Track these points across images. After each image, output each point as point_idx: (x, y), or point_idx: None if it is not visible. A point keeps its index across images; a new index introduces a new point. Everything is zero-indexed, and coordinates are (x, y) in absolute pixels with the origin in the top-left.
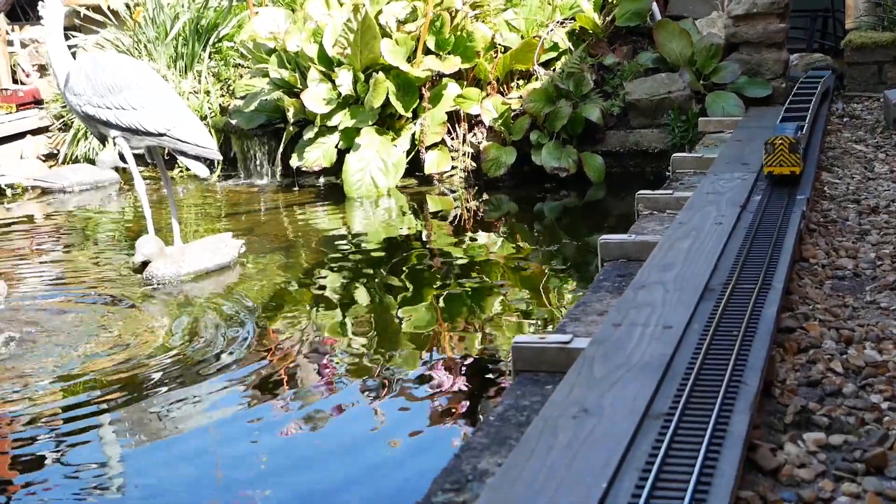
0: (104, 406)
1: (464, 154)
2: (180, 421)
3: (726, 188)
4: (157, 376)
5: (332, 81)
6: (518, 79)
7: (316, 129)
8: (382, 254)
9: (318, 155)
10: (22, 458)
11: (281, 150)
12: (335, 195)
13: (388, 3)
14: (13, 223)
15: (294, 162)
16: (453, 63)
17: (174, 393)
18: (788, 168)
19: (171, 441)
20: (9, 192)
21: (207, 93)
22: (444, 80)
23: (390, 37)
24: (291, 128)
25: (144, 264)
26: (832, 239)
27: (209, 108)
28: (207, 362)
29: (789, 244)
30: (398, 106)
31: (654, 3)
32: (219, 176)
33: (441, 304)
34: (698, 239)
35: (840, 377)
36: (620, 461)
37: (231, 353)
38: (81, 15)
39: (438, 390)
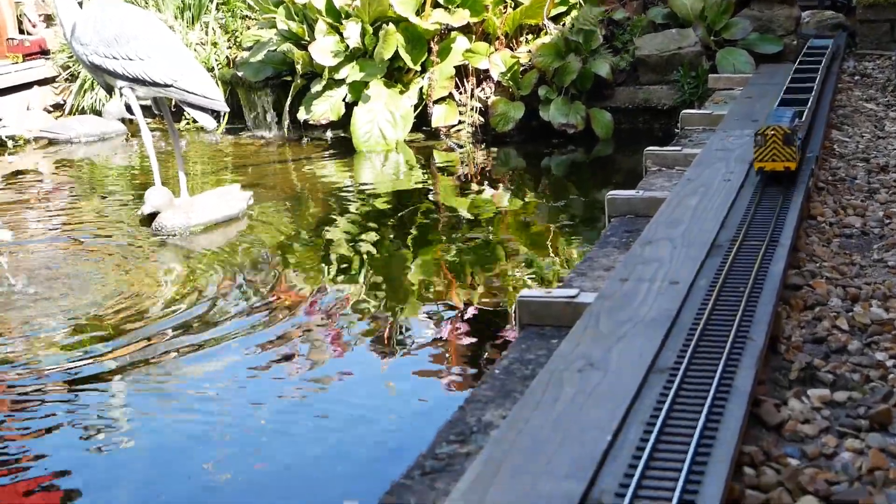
0: (111, 356)
1: (472, 109)
2: (188, 370)
3: (735, 145)
4: (164, 327)
5: (340, 34)
6: (527, 33)
7: (324, 82)
8: (389, 207)
9: (325, 108)
10: (29, 407)
11: (288, 102)
12: (343, 148)
13: None
14: (19, 174)
15: (301, 115)
16: (462, 16)
17: (181, 343)
18: (782, 163)
19: (177, 391)
20: (10, 143)
21: (215, 44)
22: (453, 33)
23: None
24: (299, 80)
25: (153, 215)
26: (840, 197)
27: (216, 59)
28: (215, 313)
29: (797, 202)
30: (407, 59)
31: None
32: (225, 128)
33: (447, 257)
34: (706, 195)
35: (846, 334)
36: (625, 414)
37: (239, 304)
38: None
39: (443, 343)
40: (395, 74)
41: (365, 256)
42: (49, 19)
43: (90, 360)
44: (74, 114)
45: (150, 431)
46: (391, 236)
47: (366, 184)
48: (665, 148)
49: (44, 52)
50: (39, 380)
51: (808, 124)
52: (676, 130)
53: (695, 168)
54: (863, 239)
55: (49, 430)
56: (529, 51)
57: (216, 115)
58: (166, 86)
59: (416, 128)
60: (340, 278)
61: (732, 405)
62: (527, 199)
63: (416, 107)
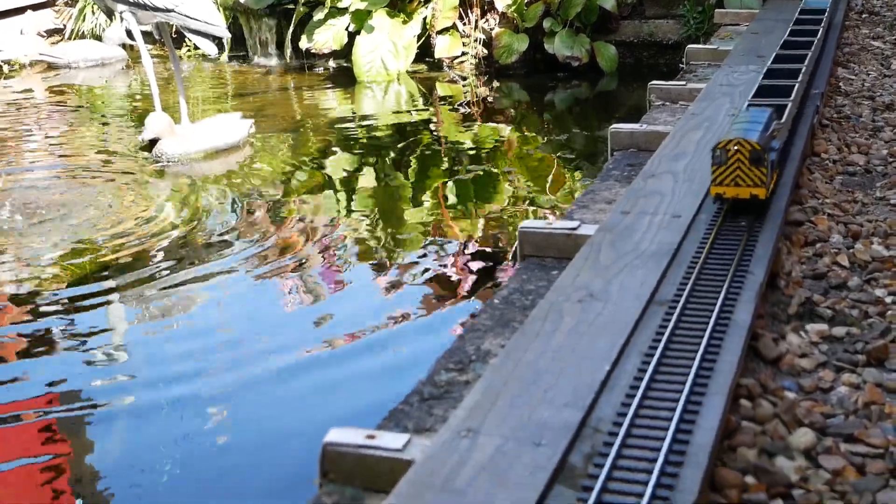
0: (111, 281)
1: (475, 40)
2: (186, 297)
3: (740, 81)
4: (163, 253)
5: None
6: None
7: (326, 10)
8: (391, 138)
9: (327, 37)
10: (28, 332)
11: (290, 30)
12: (344, 78)
13: None
14: (17, 99)
15: (303, 43)
16: None
17: (180, 269)
18: (748, 189)
19: (176, 316)
20: (6, 68)
21: None
22: None
23: None
24: (301, 8)
25: (153, 142)
26: (845, 135)
27: None
28: (214, 240)
29: (801, 138)
30: None
31: None
32: (227, 56)
33: (448, 189)
34: (710, 130)
35: (846, 271)
36: (624, 345)
37: (238, 232)
38: None
39: (443, 274)
40: (399, 4)
41: (365, 187)
42: None
43: (88, 284)
44: (74, 39)
45: (148, 354)
46: (392, 168)
47: (367, 114)
48: (669, 82)
49: None
50: (37, 303)
51: (790, 126)
52: (681, 65)
53: (699, 103)
54: (866, 177)
55: (48, 352)
56: None
57: (218, 41)
58: (168, 10)
59: (418, 58)
60: (340, 208)
61: (731, 338)
62: (529, 133)
63: (419, 37)
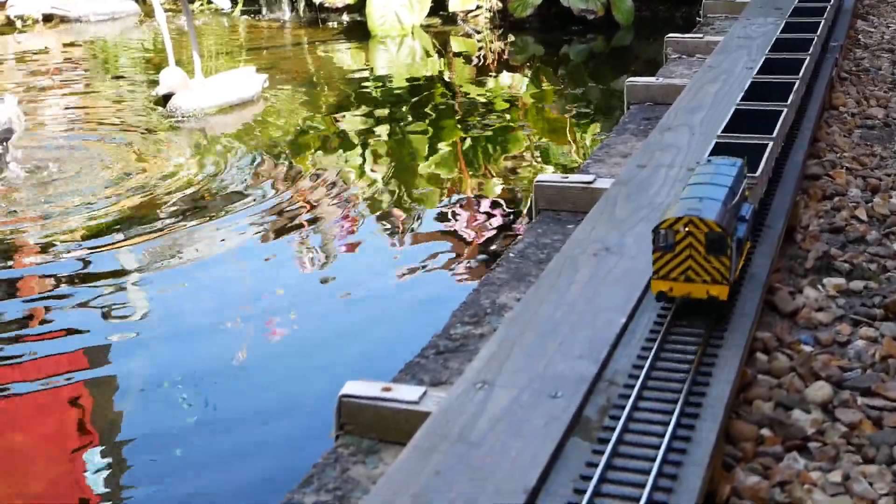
0: (126, 236)
1: None
2: (200, 251)
3: (758, 33)
4: (178, 207)
5: None
6: None
7: None
8: (405, 93)
9: None
10: (44, 287)
11: None
12: (358, 33)
13: None
14: (30, 53)
15: None
16: None
17: (194, 224)
18: (703, 286)
19: (190, 270)
20: (18, 23)
21: None
22: None
23: None
24: None
25: (167, 97)
26: (863, 88)
27: None
28: (229, 194)
29: (819, 91)
30: None
31: None
32: (240, 10)
33: (463, 144)
34: (727, 83)
35: (864, 225)
36: (640, 298)
37: (252, 186)
38: None
39: (458, 228)
40: None
41: (380, 142)
42: None
43: (104, 240)
44: None
45: (165, 310)
46: (406, 122)
47: (381, 69)
48: (686, 35)
49: None
50: (54, 259)
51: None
52: (698, 18)
53: (716, 56)
54: (884, 130)
55: (65, 308)
56: None
57: None
58: None
59: (432, 12)
60: (355, 163)
61: (748, 292)
62: (544, 87)
63: None
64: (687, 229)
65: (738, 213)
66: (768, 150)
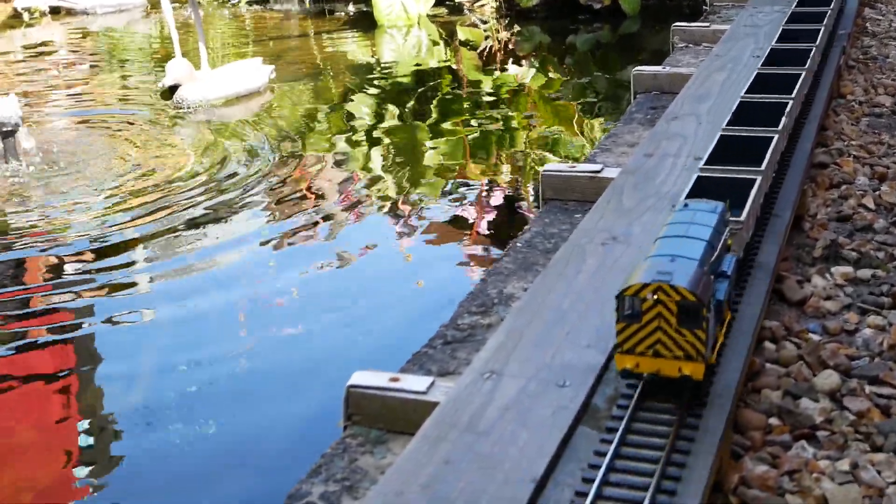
0: (133, 226)
1: None
2: (207, 240)
3: (764, 21)
4: (185, 199)
5: None
6: None
7: None
8: (411, 83)
9: None
10: (49, 276)
11: None
12: (364, 23)
13: None
14: (37, 45)
15: None
16: None
17: (201, 213)
18: (675, 361)
19: (198, 259)
20: (26, 15)
21: None
22: None
23: None
24: None
25: (173, 88)
26: (871, 76)
27: None
28: (236, 186)
29: (827, 80)
30: None
31: None
32: (247, 1)
33: (469, 134)
34: (734, 71)
35: (871, 213)
36: None
37: (259, 179)
38: None
39: (466, 218)
40: None
41: (386, 132)
42: None
43: (112, 229)
44: None
45: (172, 300)
46: (413, 113)
47: (387, 59)
48: (693, 24)
49: None
50: (63, 248)
51: (755, 216)
52: (705, 7)
53: (723, 44)
54: (892, 118)
55: (74, 297)
56: None
57: None
58: None
59: (439, 2)
60: (361, 153)
61: (756, 280)
62: (551, 76)
63: None
64: (655, 297)
65: (718, 269)
66: (756, 185)
